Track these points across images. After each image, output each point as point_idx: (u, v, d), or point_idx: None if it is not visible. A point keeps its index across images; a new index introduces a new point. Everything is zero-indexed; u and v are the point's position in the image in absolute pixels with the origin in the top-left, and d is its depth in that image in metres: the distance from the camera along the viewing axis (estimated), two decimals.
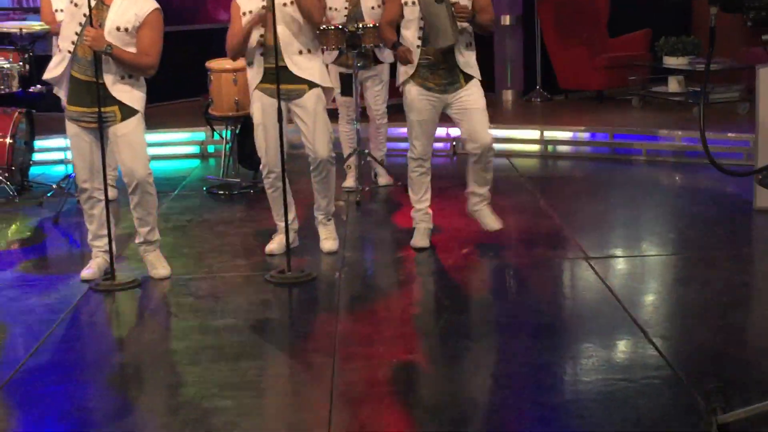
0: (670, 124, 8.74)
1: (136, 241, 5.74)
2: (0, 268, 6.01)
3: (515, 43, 10.55)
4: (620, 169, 8.35)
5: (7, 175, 7.70)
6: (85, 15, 5.32)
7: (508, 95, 10.58)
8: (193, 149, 9.39)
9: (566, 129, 9.01)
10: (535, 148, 9.00)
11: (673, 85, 9.44)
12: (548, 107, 10.16)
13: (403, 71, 5.89)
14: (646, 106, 9.70)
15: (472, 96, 5.86)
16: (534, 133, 9.06)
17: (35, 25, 7.98)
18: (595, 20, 10.52)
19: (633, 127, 8.88)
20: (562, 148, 8.98)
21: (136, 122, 5.49)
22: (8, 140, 7.75)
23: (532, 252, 6.03)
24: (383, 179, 7.69)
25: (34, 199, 7.61)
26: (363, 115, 7.67)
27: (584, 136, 8.93)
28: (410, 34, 5.82)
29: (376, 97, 7.52)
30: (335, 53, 7.27)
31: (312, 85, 5.78)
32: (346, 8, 7.31)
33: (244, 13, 5.71)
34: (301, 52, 5.72)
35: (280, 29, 5.61)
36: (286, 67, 5.66)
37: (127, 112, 5.45)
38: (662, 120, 8.99)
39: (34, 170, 8.36)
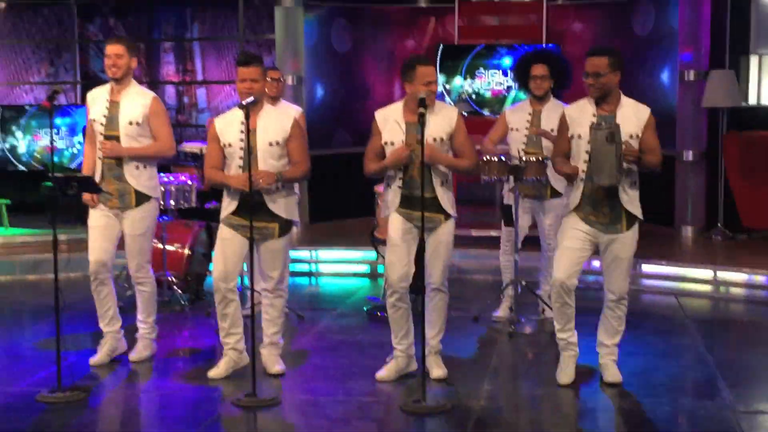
0: None
1: (264, 342, 6.25)
2: (157, 376, 6.32)
3: (698, 178, 10.33)
4: None
5: (182, 284, 8.15)
6: (242, 149, 5.95)
7: (687, 231, 10.32)
8: (365, 268, 9.60)
9: (741, 270, 8.70)
10: (708, 288, 8.72)
11: None
12: (728, 246, 9.83)
13: (570, 202, 5.93)
14: None
15: (626, 244, 5.85)
16: (707, 273, 8.79)
17: None
18: None
19: None
20: (736, 291, 8.65)
21: (288, 237, 6.16)
22: (186, 251, 8.22)
23: (677, 400, 5.82)
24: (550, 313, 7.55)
25: (203, 309, 7.96)
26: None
27: (761, 279, 8.58)
28: (579, 165, 5.85)
29: (548, 230, 7.37)
30: (508, 183, 7.34)
31: (447, 216, 5.97)
32: (526, 129, 7.39)
33: (385, 143, 5.97)
34: (442, 183, 5.93)
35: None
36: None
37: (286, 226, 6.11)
38: None
39: (210, 280, 8.78)
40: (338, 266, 9.67)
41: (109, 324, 6.55)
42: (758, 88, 10.47)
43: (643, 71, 10.79)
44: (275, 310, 6.21)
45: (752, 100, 10.49)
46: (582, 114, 5.87)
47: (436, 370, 6.14)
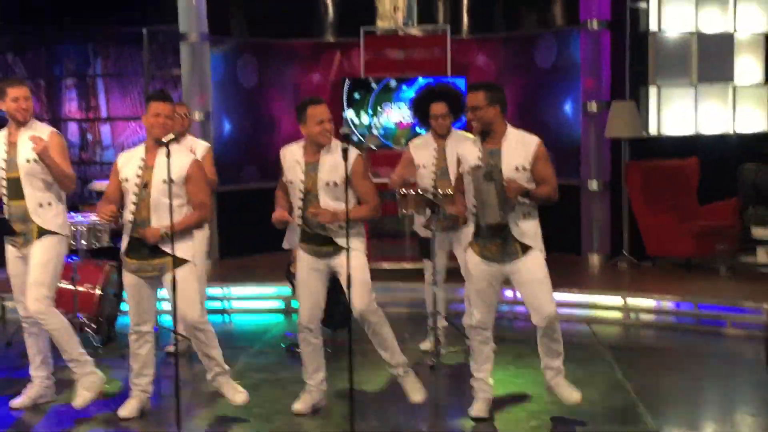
0: (758, 295, 8.56)
1: (208, 377, 6.09)
2: (70, 422, 6.13)
3: (602, 207, 10.56)
4: (705, 340, 8.17)
5: (94, 326, 7.96)
6: (137, 185, 5.88)
7: (594, 259, 10.53)
8: (278, 304, 9.52)
9: (650, 296, 8.89)
10: (618, 315, 8.89)
11: (762, 256, 9.30)
12: (634, 273, 10.06)
13: (469, 235, 5.96)
14: (735, 276, 9.54)
15: (530, 266, 5.79)
16: (617, 300, 8.96)
17: None
18: (684, 187, 10.47)
19: (719, 297, 8.72)
20: (646, 317, 8.84)
21: (187, 270, 5.91)
22: (98, 291, 8.04)
23: (600, 428, 5.90)
24: None
25: (117, 350, 7.78)
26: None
27: (668, 305, 8.80)
28: (469, 200, 5.89)
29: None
30: (426, 216, 7.34)
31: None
32: (434, 164, 7.42)
33: (287, 181, 6.04)
34: (341, 226, 5.92)
35: (323, 203, 5.88)
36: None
37: (179, 261, 5.86)
38: (750, 291, 8.82)
39: (122, 320, 8.60)
40: (251, 302, 9.57)
41: (38, 369, 6.39)
42: (658, 119, 10.78)
43: (547, 103, 11.01)
44: (206, 345, 6.01)
45: (652, 130, 10.79)
46: (471, 151, 5.90)
47: (415, 394, 6.12)
